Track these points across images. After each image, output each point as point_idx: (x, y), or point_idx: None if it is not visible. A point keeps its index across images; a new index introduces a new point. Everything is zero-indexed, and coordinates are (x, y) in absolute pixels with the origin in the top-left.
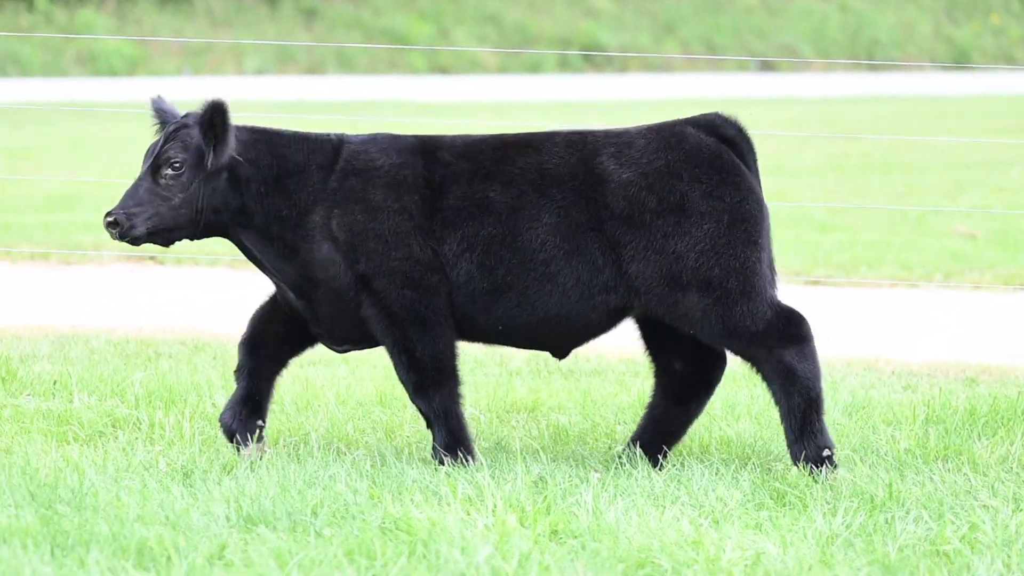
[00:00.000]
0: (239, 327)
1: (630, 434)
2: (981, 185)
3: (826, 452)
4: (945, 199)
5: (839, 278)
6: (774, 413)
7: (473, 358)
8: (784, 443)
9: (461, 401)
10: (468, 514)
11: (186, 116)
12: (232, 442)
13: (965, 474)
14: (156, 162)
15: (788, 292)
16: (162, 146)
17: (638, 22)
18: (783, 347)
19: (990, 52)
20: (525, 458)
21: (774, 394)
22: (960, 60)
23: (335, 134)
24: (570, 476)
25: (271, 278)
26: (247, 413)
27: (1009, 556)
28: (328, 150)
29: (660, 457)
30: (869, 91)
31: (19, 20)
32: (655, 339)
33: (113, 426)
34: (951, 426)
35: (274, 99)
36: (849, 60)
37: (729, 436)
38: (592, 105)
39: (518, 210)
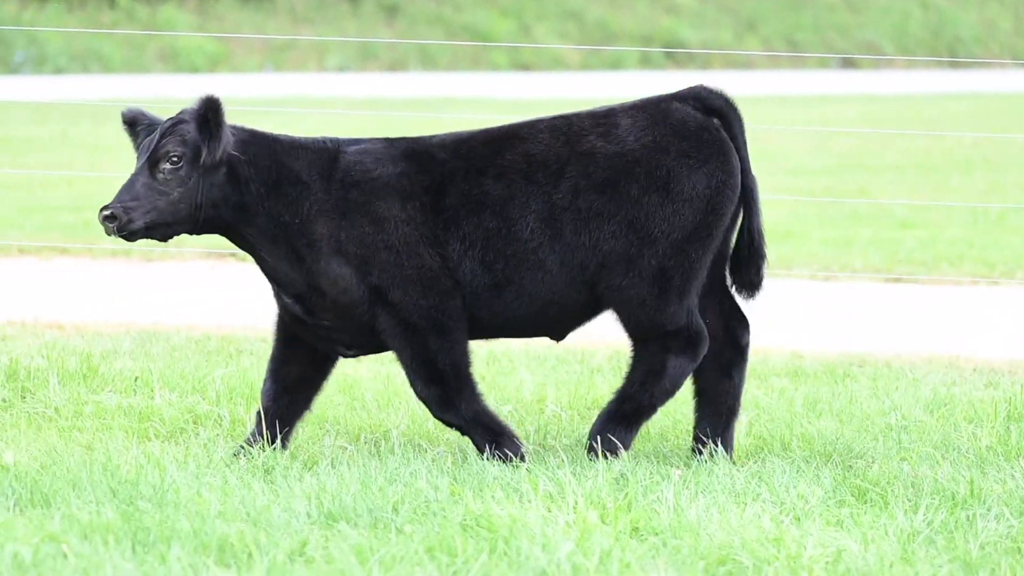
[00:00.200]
0: None
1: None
2: None
3: (620, 451)
4: None
5: (920, 275)
6: (856, 410)
7: (555, 356)
8: (866, 440)
9: (483, 397)
10: (549, 511)
11: (182, 112)
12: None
13: None
14: (153, 156)
15: (869, 289)
16: (159, 141)
17: (720, 19)
18: (676, 354)
19: None
20: (606, 455)
21: (630, 376)
22: None
23: (331, 140)
24: (651, 473)
25: (271, 283)
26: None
27: None
28: (325, 159)
29: (731, 436)
30: (950, 88)
31: (101, 17)
32: None
33: (194, 422)
34: None
35: (356, 96)
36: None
37: (810, 433)
38: None
39: (509, 201)
